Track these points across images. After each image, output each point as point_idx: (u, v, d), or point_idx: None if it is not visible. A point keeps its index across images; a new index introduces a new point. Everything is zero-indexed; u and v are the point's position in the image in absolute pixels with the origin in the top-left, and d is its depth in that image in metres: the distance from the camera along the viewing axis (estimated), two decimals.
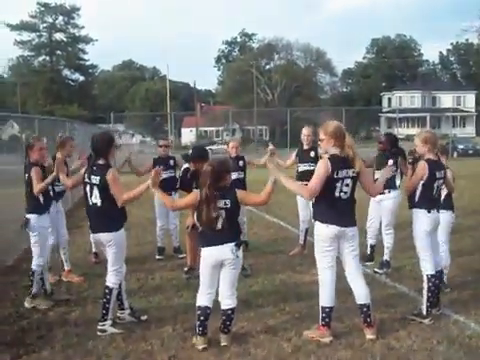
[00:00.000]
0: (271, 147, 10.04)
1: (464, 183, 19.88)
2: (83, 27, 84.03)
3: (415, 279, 7.43)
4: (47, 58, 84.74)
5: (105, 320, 6.50)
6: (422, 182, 6.82)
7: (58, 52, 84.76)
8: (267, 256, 10.15)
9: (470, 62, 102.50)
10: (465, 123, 79.94)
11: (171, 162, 10.24)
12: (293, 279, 8.62)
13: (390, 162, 8.32)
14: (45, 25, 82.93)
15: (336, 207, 6.10)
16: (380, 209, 9.10)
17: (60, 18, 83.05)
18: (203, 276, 6.12)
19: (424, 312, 6.68)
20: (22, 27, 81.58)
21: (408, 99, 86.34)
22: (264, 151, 10.84)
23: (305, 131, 10.13)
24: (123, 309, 6.88)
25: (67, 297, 7.87)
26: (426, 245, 6.79)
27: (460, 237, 10.64)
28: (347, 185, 6.10)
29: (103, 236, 6.49)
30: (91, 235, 6.67)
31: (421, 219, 6.82)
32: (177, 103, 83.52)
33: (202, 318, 6.02)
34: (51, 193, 8.02)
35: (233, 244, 5.94)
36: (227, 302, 6.10)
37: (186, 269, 8.80)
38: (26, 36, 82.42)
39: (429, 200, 6.87)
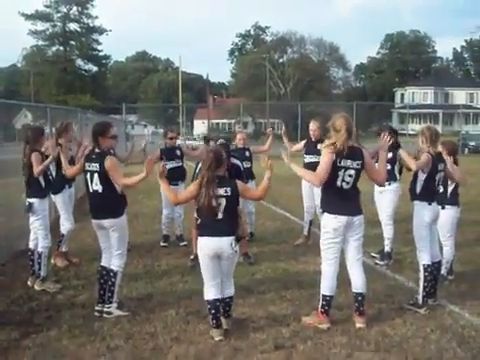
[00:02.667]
0: (269, 130, 10.43)
1: (472, 180, 19.95)
2: (97, 17, 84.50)
3: (415, 271, 7.59)
4: (61, 48, 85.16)
5: (111, 302, 6.73)
6: (424, 176, 7.01)
7: (72, 42, 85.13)
8: (272, 246, 10.38)
9: None
10: (478, 120, 79.65)
11: (178, 152, 10.50)
12: (295, 268, 8.83)
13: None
14: (59, 15, 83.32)
15: (341, 197, 6.27)
16: (381, 200, 9.26)
17: (74, 8, 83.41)
18: (204, 268, 6.17)
19: (420, 302, 6.89)
20: (37, 17, 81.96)
21: (421, 95, 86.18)
22: (265, 138, 11.14)
23: (312, 126, 10.34)
24: (111, 302, 6.82)
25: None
26: (424, 236, 6.98)
27: (462, 231, 10.73)
28: (350, 176, 6.24)
29: (106, 222, 6.69)
30: (92, 220, 6.84)
31: (421, 211, 7.01)
32: (191, 95, 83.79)
33: (213, 311, 6.11)
34: (50, 177, 8.34)
35: (232, 238, 6.04)
36: (226, 291, 6.25)
37: (192, 257, 9.00)
38: (40, 26, 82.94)
39: (431, 192, 7.06)
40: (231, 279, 6.34)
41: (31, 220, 8.02)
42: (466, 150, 40.90)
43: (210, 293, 6.15)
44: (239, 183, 6.30)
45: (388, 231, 9.21)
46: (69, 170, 7.46)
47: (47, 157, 8.02)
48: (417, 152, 7.42)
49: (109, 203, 6.70)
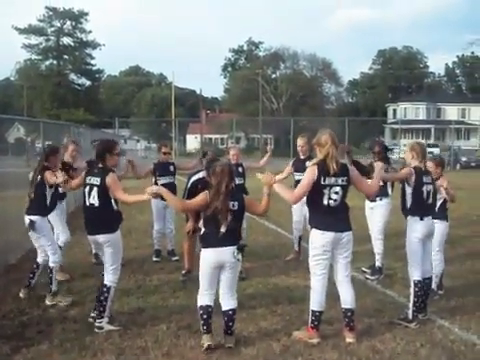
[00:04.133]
0: (269, 147, 10.57)
1: (463, 194, 20.06)
2: (90, 32, 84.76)
3: (405, 286, 7.65)
4: (54, 62, 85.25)
5: (102, 317, 6.73)
6: (411, 189, 7.08)
7: (65, 56, 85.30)
8: (263, 261, 10.39)
9: (475, 75, 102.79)
10: (469, 135, 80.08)
11: (171, 168, 10.56)
12: (286, 283, 8.86)
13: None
14: (53, 29, 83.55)
15: (328, 213, 6.30)
16: (373, 216, 9.34)
17: (68, 23, 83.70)
18: (203, 277, 6.23)
19: (410, 316, 6.93)
20: (30, 31, 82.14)
21: (413, 110, 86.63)
22: (263, 154, 11.26)
23: (300, 142, 10.38)
24: (102, 317, 6.84)
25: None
26: (416, 251, 7.02)
27: (453, 246, 10.86)
28: (336, 193, 6.29)
29: (100, 238, 6.74)
30: (88, 236, 6.91)
31: (414, 226, 7.06)
32: (183, 110, 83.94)
33: (205, 316, 6.14)
34: (55, 198, 8.32)
35: (235, 247, 6.14)
36: (228, 303, 6.29)
37: (184, 272, 9.04)
38: (34, 40, 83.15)
39: (421, 206, 7.11)
40: (234, 292, 6.40)
41: (35, 237, 7.93)
42: (458, 165, 41.19)
43: (204, 299, 6.20)
44: (246, 197, 6.46)
45: (378, 246, 9.27)
46: (70, 183, 7.55)
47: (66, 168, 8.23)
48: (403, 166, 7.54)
49: (104, 218, 6.75)
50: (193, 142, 74.86)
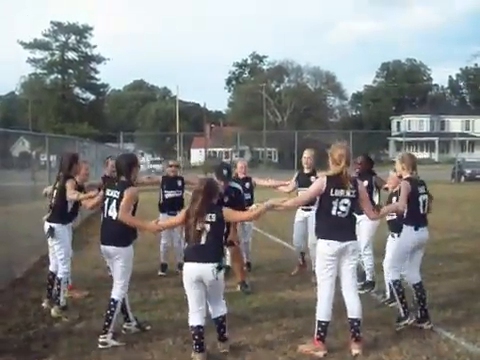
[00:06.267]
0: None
1: (469, 207, 20.11)
2: (95, 46, 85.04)
3: (409, 298, 7.62)
4: (59, 76, 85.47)
5: (106, 332, 6.67)
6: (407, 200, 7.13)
7: (70, 71, 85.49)
8: (268, 275, 10.39)
9: (479, 87, 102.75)
10: (474, 148, 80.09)
11: (179, 182, 10.61)
12: (292, 297, 8.84)
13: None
14: (58, 44, 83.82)
15: (335, 224, 6.38)
16: (359, 230, 9.26)
17: (73, 37, 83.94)
18: (188, 293, 6.31)
19: (402, 314, 7.13)
20: (35, 45, 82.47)
21: (417, 123, 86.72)
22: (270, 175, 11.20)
23: (306, 154, 10.20)
24: (129, 321, 7.16)
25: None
26: (402, 258, 7.27)
27: (459, 259, 10.87)
28: (345, 205, 6.37)
29: (111, 249, 6.78)
30: (101, 246, 6.95)
31: (409, 236, 7.19)
32: (187, 123, 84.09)
33: (197, 337, 6.17)
34: (76, 207, 8.42)
35: (215, 265, 6.13)
36: (217, 310, 6.37)
37: None
38: (39, 54, 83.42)
39: (416, 217, 7.21)
40: (220, 300, 6.43)
41: (51, 244, 8.09)
42: (462, 178, 41.16)
43: (195, 319, 6.23)
44: (225, 209, 6.48)
45: (368, 261, 9.18)
46: (90, 202, 7.67)
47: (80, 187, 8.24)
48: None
49: (118, 230, 6.78)
50: (198, 156, 74.92)
